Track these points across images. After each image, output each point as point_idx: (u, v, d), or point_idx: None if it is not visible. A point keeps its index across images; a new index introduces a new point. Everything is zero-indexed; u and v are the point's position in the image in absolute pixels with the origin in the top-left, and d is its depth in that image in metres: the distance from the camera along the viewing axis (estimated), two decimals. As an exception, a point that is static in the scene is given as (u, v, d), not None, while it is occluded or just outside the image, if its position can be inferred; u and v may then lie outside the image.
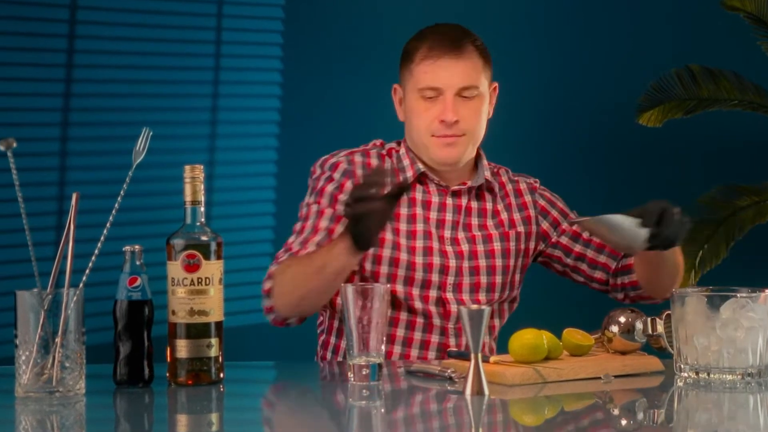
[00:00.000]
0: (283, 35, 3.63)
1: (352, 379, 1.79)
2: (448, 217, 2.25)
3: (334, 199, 2.18)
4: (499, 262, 2.25)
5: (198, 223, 1.81)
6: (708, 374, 1.79)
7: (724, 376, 1.78)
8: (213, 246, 1.79)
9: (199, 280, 1.78)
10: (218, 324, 1.79)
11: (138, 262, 1.79)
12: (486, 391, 1.70)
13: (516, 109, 3.67)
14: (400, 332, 2.21)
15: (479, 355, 1.70)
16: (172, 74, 3.55)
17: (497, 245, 2.25)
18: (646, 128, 3.42)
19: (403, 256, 2.19)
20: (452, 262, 2.21)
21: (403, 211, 2.23)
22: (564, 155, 3.69)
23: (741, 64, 3.49)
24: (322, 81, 3.58)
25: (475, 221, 2.27)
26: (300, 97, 3.61)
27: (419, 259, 2.20)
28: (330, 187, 2.20)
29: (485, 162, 2.30)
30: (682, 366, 1.83)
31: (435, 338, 2.21)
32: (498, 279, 2.25)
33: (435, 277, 2.20)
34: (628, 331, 1.95)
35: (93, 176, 3.42)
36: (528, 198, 2.33)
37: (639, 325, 1.95)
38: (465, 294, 2.21)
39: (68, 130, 3.45)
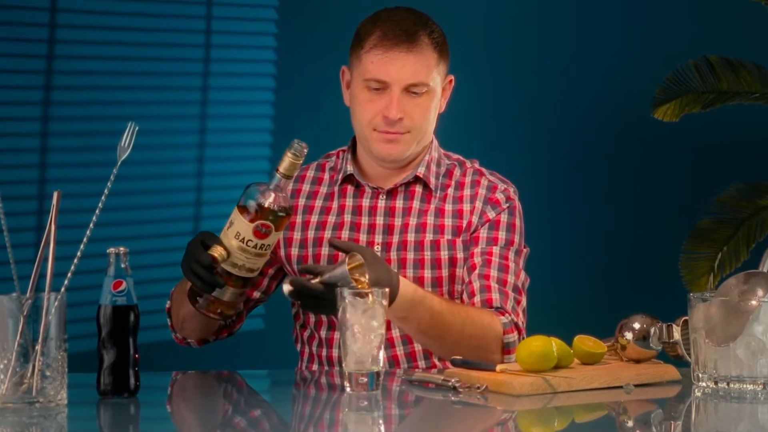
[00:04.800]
0: (277, 24, 3.63)
1: (349, 388, 1.78)
2: (379, 221, 2.24)
3: None
4: (427, 273, 2.20)
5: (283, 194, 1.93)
6: (727, 384, 1.79)
7: (745, 386, 1.78)
8: (286, 221, 1.93)
9: (263, 246, 1.91)
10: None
11: (123, 265, 1.79)
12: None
13: (523, 103, 3.68)
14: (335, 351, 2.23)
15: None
16: (160, 66, 3.55)
17: (427, 254, 2.21)
18: (661, 123, 3.42)
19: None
20: None
21: (331, 219, 2.25)
22: (575, 151, 3.69)
23: (762, 54, 3.49)
24: (319, 74, 3.57)
25: (413, 221, 2.23)
26: (295, 91, 3.60)
27: None
28: None
29: (428, 156, 2.26)
30: (700, 375, 1.83)
31: None
32: (429, 291, 2.15)
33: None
34: (643, 338, 1.95)
35: (75, 174, 3.42)
36: (479, 204, 2.25)
37: (654, 332, 1.95)
38: None
39: (49, 124, 3.45)
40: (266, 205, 1.90)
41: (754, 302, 1.80)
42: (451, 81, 2.26)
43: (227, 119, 3.59)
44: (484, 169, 2.31)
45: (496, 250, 2.20)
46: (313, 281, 1.87)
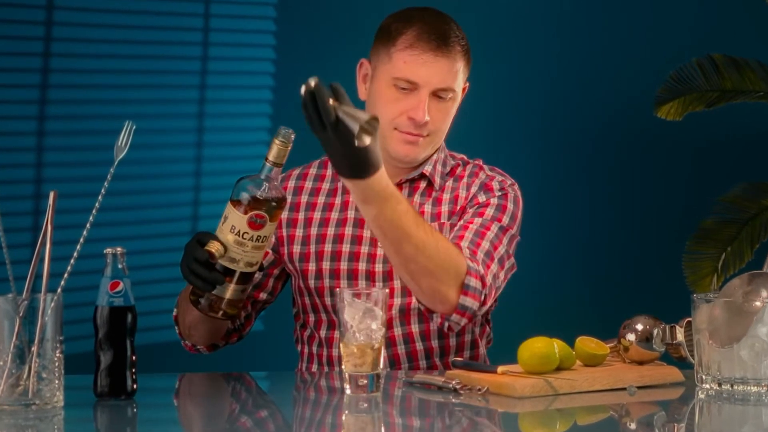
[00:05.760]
0: (276, 22, 3.63)
1: (349, 390, 1.79)
2: None
3: None
4: None
5: (275, 182, 1.93)
6: (731, 386, 1.79)
7: (749, 387, 1.78)
8: (279, 210, 1.93)
9: (259, 238, 1.91)
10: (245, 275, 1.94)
11: (120, 266, 1.79)
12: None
13: (525, 102, 3.68)
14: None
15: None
16: (157, 64, 3.55)
17: None
18: (665, 122, 3.42)
19: (326, 266, 2.22)
20: (379, 267, 2.20)
21: (334, 215, 2.26)
22: (576, 151, 3.69)
23: (767, 53, 3.49)
24: (318, 72, 3.57)
25: None
26: (294, 90, 3.59)
27: (343, 266, 2.21)
28: None
29: (436, 156, 2.27)
30: (703, 377, 1.83)
31: None
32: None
33: (362, 284, 2.20)
34: (645, 339, 1.95)
35: (72, 173, 3.42)
36: (473, 190, 2.25)
37: (657, 333, 1.95)
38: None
39: (45, 123, 3.45)
40: (258, 196, 1.91)
41: (758, 303, 1.80)
42: (465, 88, 2.27)
43: (225, 118, 3.59)
44: (485, 165, 2.33)
45: (478, 220, 2.17)
46: (332, 102, 1.82)
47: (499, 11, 3.67)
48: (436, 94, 2.18)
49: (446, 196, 2.26)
